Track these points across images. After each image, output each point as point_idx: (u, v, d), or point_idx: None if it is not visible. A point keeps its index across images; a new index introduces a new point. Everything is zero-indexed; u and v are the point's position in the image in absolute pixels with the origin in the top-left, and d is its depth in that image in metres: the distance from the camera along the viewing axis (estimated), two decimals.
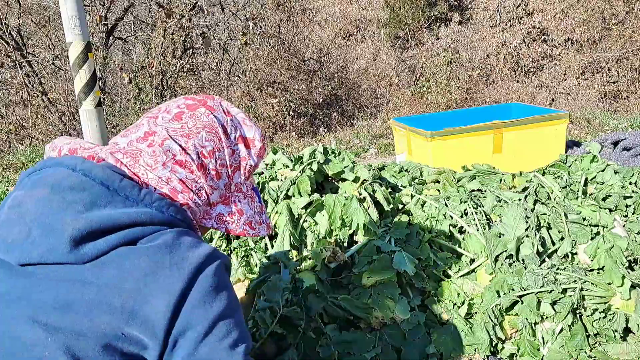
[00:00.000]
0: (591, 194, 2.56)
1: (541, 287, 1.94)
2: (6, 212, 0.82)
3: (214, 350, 0.81)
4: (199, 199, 0.97)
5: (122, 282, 0.78)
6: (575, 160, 2.82)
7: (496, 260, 2.09)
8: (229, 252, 2.08)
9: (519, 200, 2.37)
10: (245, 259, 2.05)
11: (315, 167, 2.32)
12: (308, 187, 2.22)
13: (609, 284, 1.95)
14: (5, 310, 0.76)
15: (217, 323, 0.82)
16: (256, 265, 2.00)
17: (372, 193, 2.32)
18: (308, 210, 2.14)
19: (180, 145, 0.94)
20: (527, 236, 2.16)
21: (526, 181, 2.60)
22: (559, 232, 2.23)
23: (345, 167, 2.41)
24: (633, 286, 1.94)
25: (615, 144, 3.86)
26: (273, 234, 2.11)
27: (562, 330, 1.86)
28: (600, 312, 1.90)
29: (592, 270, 2.07)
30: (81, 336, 0.75)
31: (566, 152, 3.98)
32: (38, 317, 0.74)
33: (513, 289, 1.98)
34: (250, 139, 1.04)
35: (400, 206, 2.46)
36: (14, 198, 0.84)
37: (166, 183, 0.93)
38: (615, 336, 1.87)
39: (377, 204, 2.30)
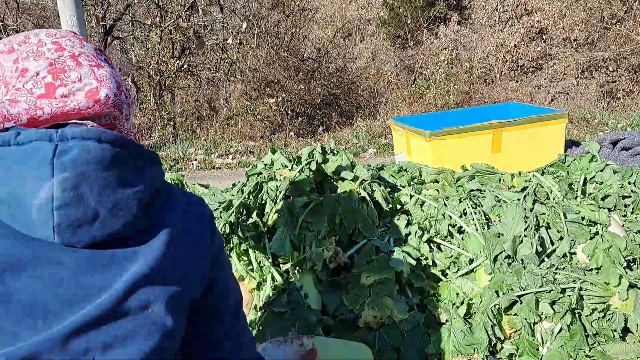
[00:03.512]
0: (590, 194, 2.56)
1: (540, 287, 1.94)
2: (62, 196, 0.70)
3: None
4: None
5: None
6: (574, 160, 2.82)
7: (495, 260, 2.09)
8: (229, 250, 2.07)
9: (518, 200, 2.37)
10: (246, 257, 2.04)
11: (314, 166, 2.32)
12: (307, 187, 2.21)
13: (607, 283, 1.95)
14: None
15: None
16: (257, 261, 2.00)
17: (371, 193, 2.31)
18: (307, 210, 2.13)
19: None
20: (526, 236, 2.16)
21: (525, 181, 2.59)
22: (558, 231, 2.23)
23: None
24: (631, 286, 1.94)
25: (614, 143, 3.86)
26: (271, 231, 2.10)
27: (561, 330, 1.86)
28: (599, 312, 1.90)
29: (591, 270, 2.07)
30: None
31: (565, 151, 3.97)
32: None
33: (512, 289, 1.98)
34: None
35: (399, 206, 2.46)
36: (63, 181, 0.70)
37: None
38: (614, 336, 1.87)
39: (376, 203, 2.30)
